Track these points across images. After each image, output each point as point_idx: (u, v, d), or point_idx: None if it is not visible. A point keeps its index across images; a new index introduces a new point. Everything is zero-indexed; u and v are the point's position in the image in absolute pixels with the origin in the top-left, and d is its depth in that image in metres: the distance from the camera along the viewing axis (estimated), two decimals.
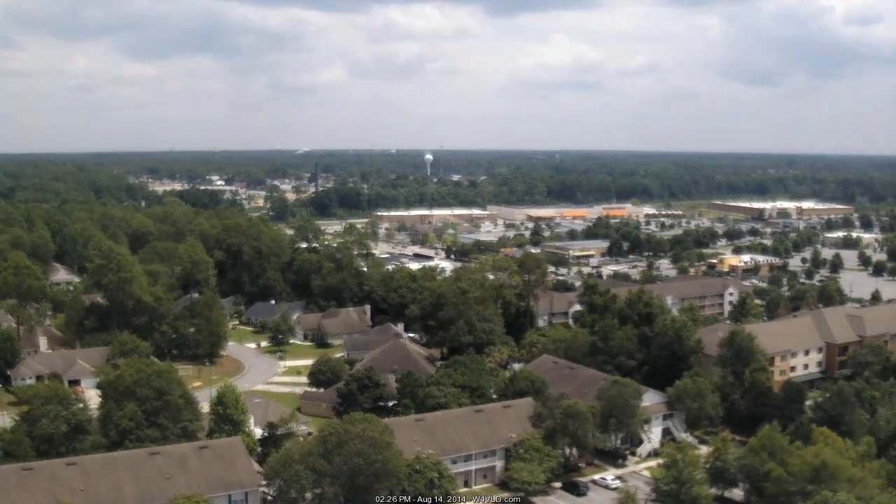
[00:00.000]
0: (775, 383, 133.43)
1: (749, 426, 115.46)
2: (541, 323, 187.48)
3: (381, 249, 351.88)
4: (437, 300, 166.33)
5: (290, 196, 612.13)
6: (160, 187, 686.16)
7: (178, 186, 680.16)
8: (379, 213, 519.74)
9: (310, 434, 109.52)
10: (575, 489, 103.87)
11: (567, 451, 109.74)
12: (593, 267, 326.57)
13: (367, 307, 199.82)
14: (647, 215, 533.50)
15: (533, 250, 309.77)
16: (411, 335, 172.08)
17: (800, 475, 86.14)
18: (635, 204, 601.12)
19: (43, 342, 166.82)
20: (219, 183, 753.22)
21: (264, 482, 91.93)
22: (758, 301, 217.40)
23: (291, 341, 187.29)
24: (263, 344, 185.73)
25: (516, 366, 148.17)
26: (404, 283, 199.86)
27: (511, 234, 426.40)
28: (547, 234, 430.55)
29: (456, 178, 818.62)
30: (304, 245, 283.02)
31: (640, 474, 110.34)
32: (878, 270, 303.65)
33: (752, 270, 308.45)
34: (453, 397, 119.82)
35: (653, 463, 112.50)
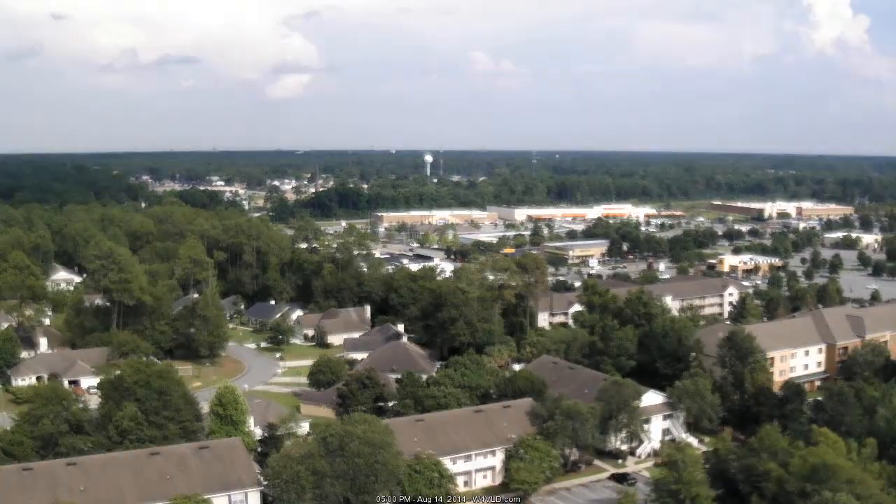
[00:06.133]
0: (775, 383, 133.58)
1: (749, 426, 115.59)
2: (540, 323, 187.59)
3: (381, 250, 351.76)
4: (437, 300, 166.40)
5: (290, 196, 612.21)
6: (160, 188, 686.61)
7: (177, 187, 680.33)
8: (379, 214, 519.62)
9: (310, 434, 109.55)
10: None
11: (567, 451, 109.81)
12: (591, 267, 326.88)
13: (367, 307, 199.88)
14: (646, 215, 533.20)
15: (532, 251, 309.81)
16: (411, 335, 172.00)
17: (800, 475, 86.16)
18: (635, 204, 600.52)
19: (43, 342, 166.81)
20: (219, 183, 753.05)
21: (264, 482, 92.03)
22: (757, 301, 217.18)
23: (291, 341, 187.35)
24: (263, 344, 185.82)
25: (516, 366, 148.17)
26: (404, 284, 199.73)
27: (511, 234, 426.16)
28: (546, 234, 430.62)
29: (455, 178, 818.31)
30: (304, 245, 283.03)
31: (640, 474, 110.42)
32: (878, 271, 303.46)
33: (752, 271, 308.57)
34: (453, 397, 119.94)
35: (652, 463, 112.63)
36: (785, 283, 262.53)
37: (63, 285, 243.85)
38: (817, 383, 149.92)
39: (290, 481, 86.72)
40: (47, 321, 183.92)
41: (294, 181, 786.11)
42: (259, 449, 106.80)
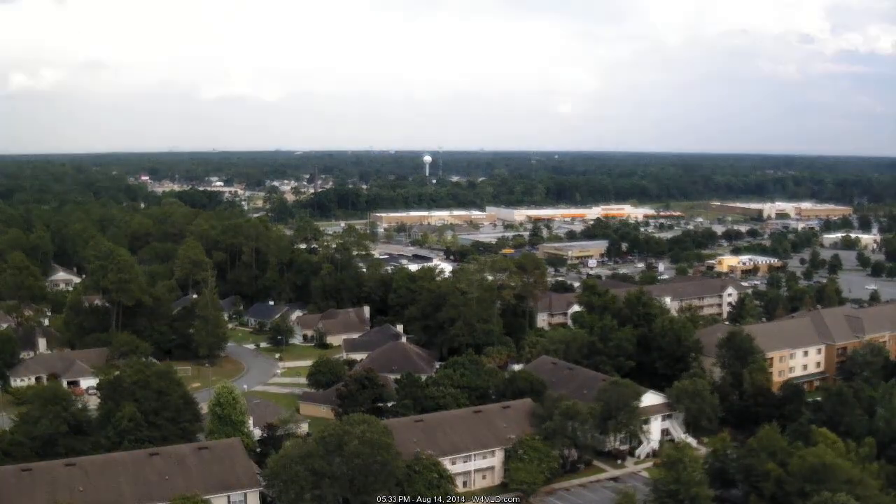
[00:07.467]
0: (774, 384, 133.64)
1: (748, 426, 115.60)
2: (539, 323, 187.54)
3: (380, 250, 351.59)
4: (436, 301, 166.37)
5: (290, 197, 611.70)
6: (159, 188, 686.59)
7: (177, 187, 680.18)
8: (378, 214, 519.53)
9: (309, 435, 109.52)
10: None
11: (566, 451, 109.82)
12: (591, 267, 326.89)
13: (366, 308, 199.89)
14: (645, 216, 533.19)
15: (532, 251, 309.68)
16: (410, 336, 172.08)
17: (799, 475, 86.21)
18: (634, 205, 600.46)
19: (42, 343, 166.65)
20: (218, 184, 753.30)
21: (263, 483, 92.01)
22: (756, 302, 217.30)
23: (291, 342, 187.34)
24: (262, 345, 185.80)
25: (515, 366, 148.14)
26: (403, 284, 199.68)
27: (510, 234, 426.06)
28: (546, 234, 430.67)
29: (455, 179, 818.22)
30: (303, 246, 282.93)
31: (639, 475, 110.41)
32: (877, 271, 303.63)
33: (751, 271, 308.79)
34: (452, 398, 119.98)
35: (651, 464, 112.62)
36: (784, 284, 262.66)
37: (62, 286, 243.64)
38: (816, 383, 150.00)
39: (289, 482, 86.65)
40: (46, 322, 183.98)
41: (293, 182, 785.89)
42: (258, 449, 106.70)
